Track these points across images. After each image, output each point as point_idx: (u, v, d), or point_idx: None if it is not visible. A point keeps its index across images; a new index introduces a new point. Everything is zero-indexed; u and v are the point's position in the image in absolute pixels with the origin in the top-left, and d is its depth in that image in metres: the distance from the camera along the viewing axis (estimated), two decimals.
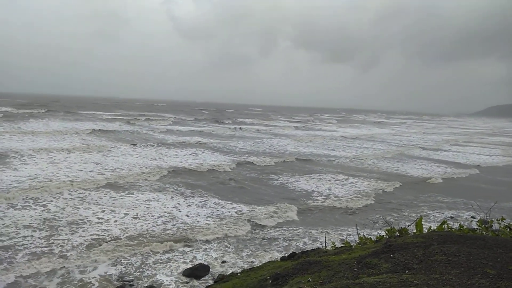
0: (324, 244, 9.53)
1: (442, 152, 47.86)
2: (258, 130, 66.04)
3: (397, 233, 6.64)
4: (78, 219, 15.47)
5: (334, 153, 40.75)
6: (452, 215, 18.47)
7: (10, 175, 21.61)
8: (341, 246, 8.33)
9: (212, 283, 8.49)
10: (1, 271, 10.85)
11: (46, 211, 16.20)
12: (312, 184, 24.45)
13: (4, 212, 15.75)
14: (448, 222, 6.64)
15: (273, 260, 9.80)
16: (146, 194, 19.76)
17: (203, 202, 18.81)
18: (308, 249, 9.82)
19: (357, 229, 9.71)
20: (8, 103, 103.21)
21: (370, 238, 7.96)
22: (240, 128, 66.48)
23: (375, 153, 42.43)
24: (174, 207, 17.80)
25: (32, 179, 20.96)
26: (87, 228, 14.65)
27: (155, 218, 16.13)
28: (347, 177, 27.13)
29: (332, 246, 8.62)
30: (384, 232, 7.18)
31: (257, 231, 15.52)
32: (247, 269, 7.53)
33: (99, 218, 15.74)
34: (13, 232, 13.81)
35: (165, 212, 16.96)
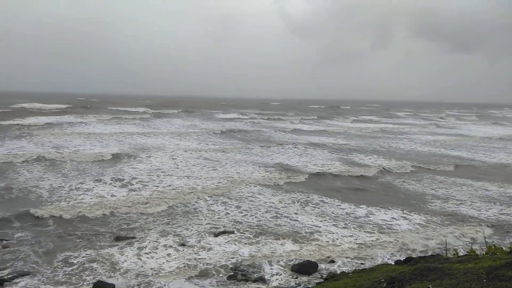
0: (444, 251, 8.75)
1: None
2: (382, 129, 60.88)
3: None
4: (193, 209, 16.85)
5: (494, 159, 34.04)
6: None
7: (134, 168, 24.47)
8: (465, 255, 7.57)
9: (321, 281, 8.44)
10: (132, 248, 12.30)
11: (166, 201, 17.84)
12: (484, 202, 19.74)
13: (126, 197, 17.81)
14: None
15: (386, 263, 9.34)
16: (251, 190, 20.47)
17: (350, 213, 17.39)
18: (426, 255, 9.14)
19: (485, 238, 8.70)
20: (139, 103, 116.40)
21: (501, 248, 7.11)
22: (363, 127, 61.98)
23: None
24: (283, 206, 18.10)
25: (151, 172, 23.27)
26: (201, 217, 15.85)
27: (263, 213, 16.62)
28: None
29: (454, 254, 7.90)
30: None
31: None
32: (358, 269, 7.30)
33: (211, 210, 16.82)
34: (136, 217, 15.62)
35: (270, 207, 17.36)
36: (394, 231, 15.08)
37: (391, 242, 13.88)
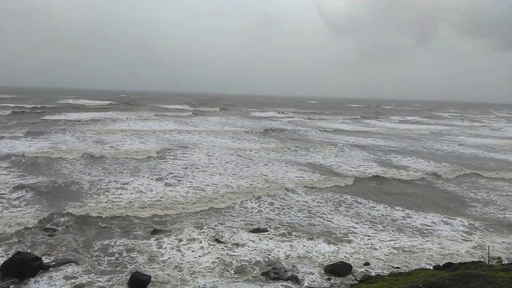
0: (487, 258, 8.37)
1: None
2: (427, 130, 58.07)
3: None
4: (226, 206, 17.08)
5: None
6: None
7: (170, 163, 25.11)
8: (510, 263, 7.22)
9: (355, 283, 8.28)
10: (168, 242, 12.59)
11: (200, 197, 18.14)
12: None
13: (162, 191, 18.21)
14: None
15: (424, 268, 9.03)
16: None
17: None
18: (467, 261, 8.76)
19: None
20: (179, 101, 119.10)
21: None
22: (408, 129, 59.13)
23: None
24: (316, 206, 17.93)
25: (187, 168, 23.72)
26: (234, 214, 16.05)
27: (296, 212, 16.52)
28: None
29: (497, 261, 7.55)
30: None
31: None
32: (395, 273, 7.08)
33: (244, 207, 16.94)
34: (171, 212, 15.97)
35: (303, 206, 17.23)
36: (434, 235, 14.56)
37: (431, 248, 13.39)
